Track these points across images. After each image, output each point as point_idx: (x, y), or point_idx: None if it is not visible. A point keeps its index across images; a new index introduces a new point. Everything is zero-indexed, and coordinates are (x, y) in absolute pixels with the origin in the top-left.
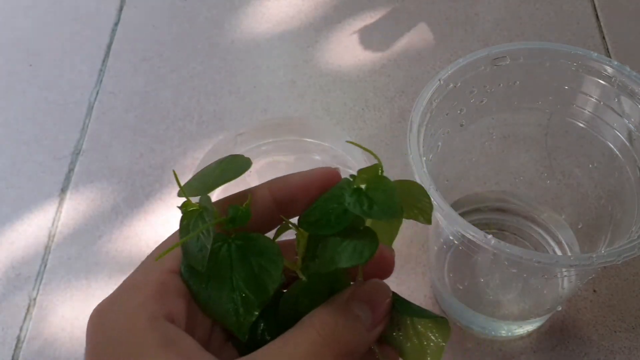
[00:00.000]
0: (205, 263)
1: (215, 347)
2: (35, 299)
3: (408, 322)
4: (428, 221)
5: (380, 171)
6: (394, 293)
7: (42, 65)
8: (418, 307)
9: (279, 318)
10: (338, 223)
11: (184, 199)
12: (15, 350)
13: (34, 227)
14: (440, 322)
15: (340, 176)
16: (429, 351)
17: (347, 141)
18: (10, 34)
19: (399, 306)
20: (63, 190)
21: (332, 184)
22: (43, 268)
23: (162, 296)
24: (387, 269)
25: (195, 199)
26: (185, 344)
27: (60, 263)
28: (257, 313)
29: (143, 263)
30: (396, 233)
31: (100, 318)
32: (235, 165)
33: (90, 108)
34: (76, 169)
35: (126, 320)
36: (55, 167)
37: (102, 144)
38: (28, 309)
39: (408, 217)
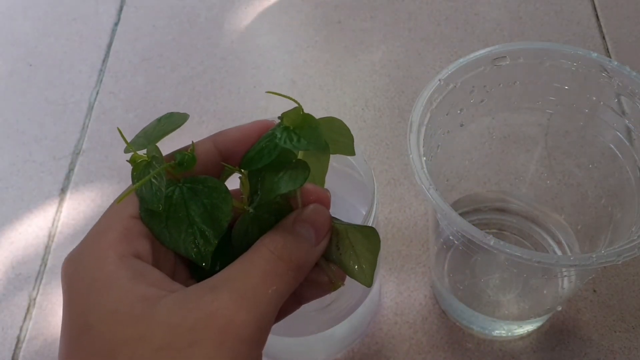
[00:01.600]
0: (162, 203)
1: (180, 283)
2: (35, 299)
3: (347, 242)
4: (351, 153)
5: (301, 112)
6: (334, 218)
7: (42, 65)
8: (357, 225)
9: (233, 250)
10: (270, 156)
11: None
12: (15, 350)
13: (34, 227)
14: (374, 240)
15: None
16: (364, 267)
17: (268, 92)
18: (10, 34)
19: (339, 226)
20: (63, 190)
21: None
22: (43, 268)
23: (128, 238)
24: (325, 207)
25: (142, 153)
26: (154, 275)
27: (60, 263)
28: (215, 242)
29: (105, 214)
30: (326, 169)
31: (73, 264)
32: (174, 119)
33: (90, 108)
34: (76, 169)
35: (97, 261)
36: (55, 167)
37: (102, 144)
38: (28, 309)
39: (334, 152)
